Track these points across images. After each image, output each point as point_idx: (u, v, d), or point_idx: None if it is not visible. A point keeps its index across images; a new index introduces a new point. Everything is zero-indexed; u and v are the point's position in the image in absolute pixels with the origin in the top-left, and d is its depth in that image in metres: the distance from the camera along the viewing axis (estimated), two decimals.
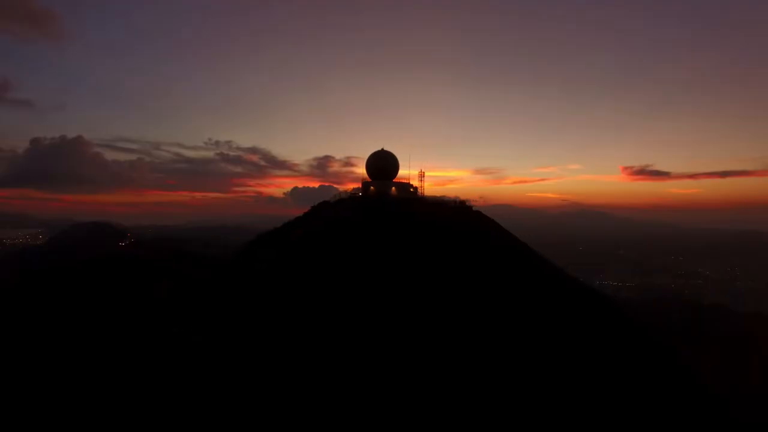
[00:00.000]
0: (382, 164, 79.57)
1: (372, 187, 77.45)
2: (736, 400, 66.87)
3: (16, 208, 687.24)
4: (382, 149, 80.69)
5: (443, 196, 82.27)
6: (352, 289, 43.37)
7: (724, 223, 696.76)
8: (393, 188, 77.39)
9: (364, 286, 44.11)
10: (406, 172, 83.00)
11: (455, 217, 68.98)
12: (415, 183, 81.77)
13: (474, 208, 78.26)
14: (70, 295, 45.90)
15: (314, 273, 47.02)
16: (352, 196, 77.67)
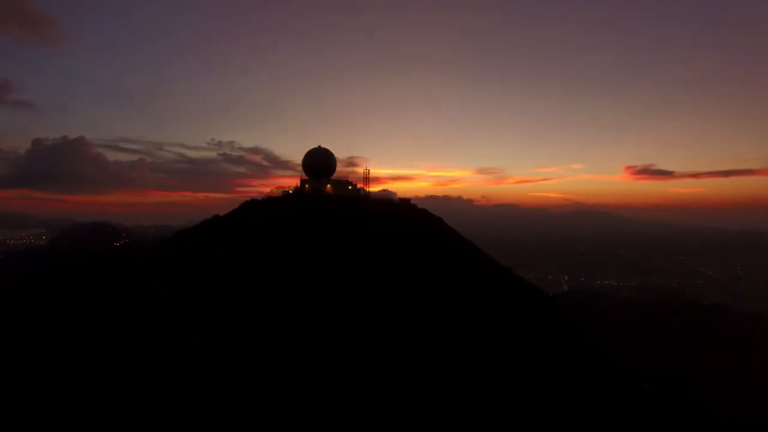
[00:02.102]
0: (318, 162, 78.49)
1: (307, 185, 76.64)
2: (736, 400, 66.77)
3: (20, 209, 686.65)
4: (319, 146, 79.84)
5: (388, 196, 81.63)
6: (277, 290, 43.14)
7: (726, 223, 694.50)
8: (329, 186, 76.50)
9: (273, 287, 43.77)
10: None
11: (395, 214, 67.80)
12: (360, 182, 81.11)
13: (419, 206, 77.10)
14: (62, 296, 46.12)
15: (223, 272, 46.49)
16: (285, 194, 76.37)
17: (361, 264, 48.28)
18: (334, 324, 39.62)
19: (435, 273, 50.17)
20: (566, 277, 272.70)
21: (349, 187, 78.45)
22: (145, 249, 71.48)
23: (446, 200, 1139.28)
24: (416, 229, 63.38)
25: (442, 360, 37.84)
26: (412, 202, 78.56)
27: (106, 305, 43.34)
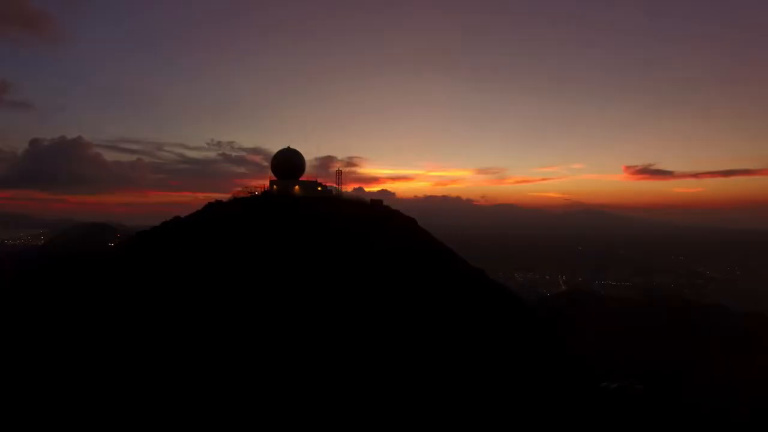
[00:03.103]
0: (286, 163, 77.90)
1: (275, 186, 76.14)
2: (736, 399, 66.35)
3: (21, 209, 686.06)
4: (288, 147, 79.52)
5: (359, 197, 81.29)
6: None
7: (726, 223, 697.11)
8: (297, 187, 75.96)
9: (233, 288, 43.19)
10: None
11: (363, 215, 66.80)
12: (332, 182, 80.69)
13: (392, 208, 76.38)
14: (48, 295, 45.71)
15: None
16: (251, 195, 75.16)
17: (310, 268, 47.05)
18: (279, 326, 38.90)
19: (394, 277, 48.71)
20: (564, 276, 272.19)
21: (319, 188, 78.05)
22: (121, 248, 71.00)
23: (444, 200, 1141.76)
24: (383, 231, 62.17)
25: (387, 366, 36.74)
26: (382, 203, 77.96)
27: (72, 303, 42.88)
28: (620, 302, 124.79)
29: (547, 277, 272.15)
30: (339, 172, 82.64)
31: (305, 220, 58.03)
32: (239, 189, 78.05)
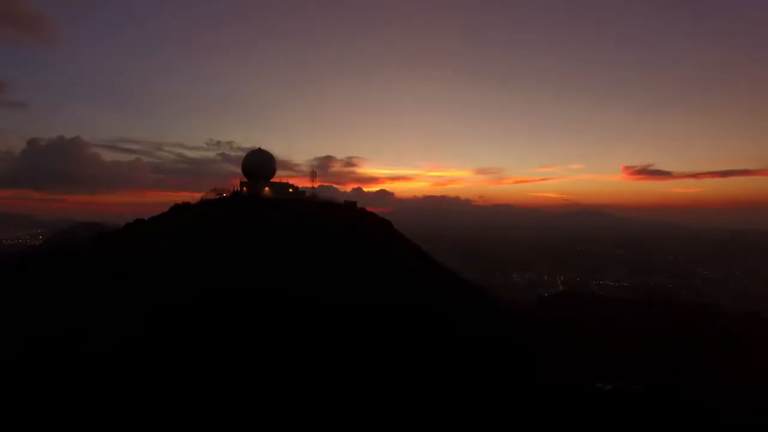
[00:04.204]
0: (256, 164, 77.91)
1: (245, 188, 75.31)
2: (736, 399, 66.04)
3: (20, 209, 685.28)
4: (259, 148, 79.33)
5: (332, 198, 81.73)
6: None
7: (725, 223, 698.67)
8: (267, 188, 75.33)
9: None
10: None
11: (333, 215, 66.01)
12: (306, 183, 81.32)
13: (367, 209, 76.60)
14: (41, 295, 45.34)
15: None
16: (220, 196, 74.90)
17: (265, 270, 46.18)
18: (227, 328, 38.25)
19: (355, 281, 47.74)
20: (562, 277, 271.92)
21: (290, 189, 77.81)
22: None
23: (443, 200, 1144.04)
24: (354, 234, 61.35)
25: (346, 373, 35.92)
26: (357, 205, 77.45)
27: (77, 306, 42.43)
28: (619, 302, 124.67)
29: (546, 277, 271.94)
30: (313, 173, 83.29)
31: (270, 222, 57.49)
32: (208, 190, 77.63)
